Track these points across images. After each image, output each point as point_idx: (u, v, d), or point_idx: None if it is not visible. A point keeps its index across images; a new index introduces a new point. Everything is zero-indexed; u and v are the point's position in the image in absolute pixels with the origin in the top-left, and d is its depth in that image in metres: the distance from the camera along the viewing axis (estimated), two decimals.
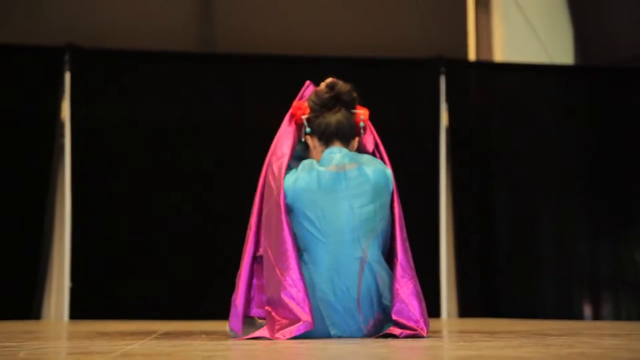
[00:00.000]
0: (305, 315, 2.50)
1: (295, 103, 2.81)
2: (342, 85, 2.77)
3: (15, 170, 5.52)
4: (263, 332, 2.57)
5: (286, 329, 2.50)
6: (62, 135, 5.62)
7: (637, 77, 6.46)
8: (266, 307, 2.62)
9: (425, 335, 2.55)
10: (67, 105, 5.64)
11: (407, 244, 2.68)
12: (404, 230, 2.69)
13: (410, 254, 2.67)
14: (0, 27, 5.98)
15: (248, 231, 2.76)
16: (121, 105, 5.75)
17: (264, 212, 2.70)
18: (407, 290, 2.57)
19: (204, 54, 6.26)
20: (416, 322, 2.55)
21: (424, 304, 2.63)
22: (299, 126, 2.78)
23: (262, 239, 2.69)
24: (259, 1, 6.43)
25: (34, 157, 5.57)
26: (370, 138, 2.84)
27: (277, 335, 2.50)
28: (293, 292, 2.53)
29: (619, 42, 6.69)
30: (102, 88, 5.75)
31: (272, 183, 2.68)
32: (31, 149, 5.57)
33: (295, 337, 2.47)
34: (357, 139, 2.79)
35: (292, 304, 2.52)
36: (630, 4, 6.60)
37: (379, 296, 2.63)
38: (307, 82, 2.90)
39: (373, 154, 2.82)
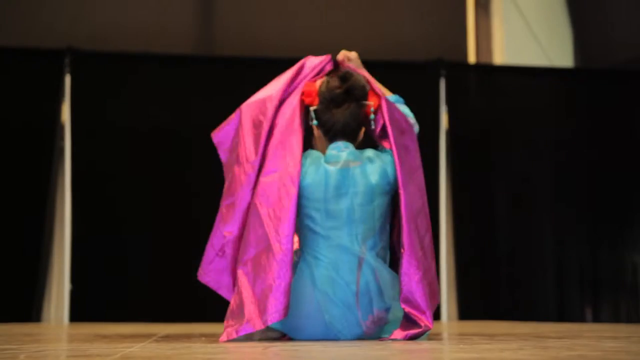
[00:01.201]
0: (281, 281, 2.50)
1: (306, 86, 2.76)
2: (355, 80, 2.73)
3: (15, 173, 5.53)
4: (247, 328, 2.54)
5: (262, 317, 2.50)
6: (62, 138, 5.62)
7: (637, 79, 6.46)
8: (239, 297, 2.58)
9: (431, 327, 2.55)
10: (67, 108, 5.65)
11: (418, 235, 2.63)
12: (416, 221, 2.64)
13: (422, 244, 2.62)
14: (0, 30, 5.99)
15: (242, 176, 2.71)
16: (121, 108, 5.75)
17: (268, 165, 2.65)
18: (414, 278, 2.55)
19: (204, 56, 6.27)
20: (422, 312, 2.54)
21: (433, 294, 2.60)
22: (307, 112, 2.75)
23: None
24: (259, 4, 6.44)
25: (35, 160, 5.57)
26: (379, 121, 2.77)
27: (255, 324, 2.51)
28: (280, 257, 2.53)
29: (618, 45, 6.70)
30: (102, 91, 5.76)
31: (289, 159, 2.64)
32: (31, 152, 5.57)
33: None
34: (363, 129, 2.78)
35: (275, 266, 2.51)
36: (629, 7, 6.61)
37: (379, 293, 2.63)
38: (329, 56, 2.84)
39: (382, 131, 2.74)
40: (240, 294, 2.58)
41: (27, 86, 5.65)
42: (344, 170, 2.67)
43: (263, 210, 2.61)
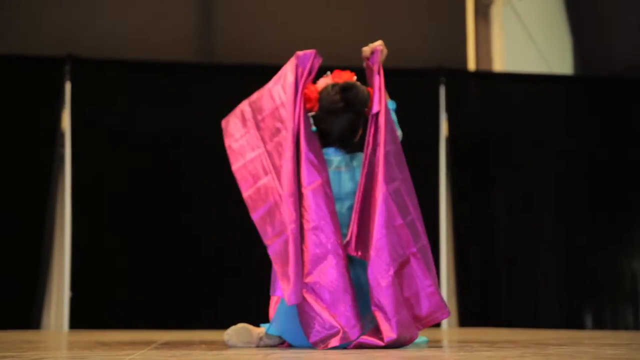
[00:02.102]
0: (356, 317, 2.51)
1: (308, 89, 2.76)
2: (356, 93, 2.73)
3: (15, 180, 5.53)
4: (342, 339, 2.49)
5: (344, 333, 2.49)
6: (62, 145, 5.63)
7: (635, 87, 6.47)
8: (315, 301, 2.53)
9: (394, 337, 2.46)
10: (67, 115, 5.65)
11: (395, 234, 2.56)
12: (397, 218, 2.57)
13: (404, 242, 2.57)
14: (0, 38, 5.99)
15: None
16: (121, 115, 5.75)
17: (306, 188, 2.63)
18: (382, 282, 2.50)
19: (204, 64, 6.28)
20: (388, 320, 2.48)
21: (410, 310, 2.56)
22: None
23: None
24: (259, 12, 6.45)
25: (35, 167, 5.57)
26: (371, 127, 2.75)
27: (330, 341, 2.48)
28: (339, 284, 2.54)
29: (617, 53, 6.71)
30: (102, 98, 5.76)
31: (314, 167, 2.64)
32: (32, 159, 5.57)
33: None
34: (360, 131, 2.81)
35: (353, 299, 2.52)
36: (628, 14, 6.63)
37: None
38: (314, 51, 2.81)
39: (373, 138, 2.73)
40: (316, 314, 2.52)
41: (28, 93, 5.66)
42: (334, 174, 2.73)
43: (313, 225, 2.57)
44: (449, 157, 6.02)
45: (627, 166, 6.22)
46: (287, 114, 2.72)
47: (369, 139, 2.68)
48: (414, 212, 2.67)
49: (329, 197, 2.63)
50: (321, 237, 2.57)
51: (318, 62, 2.82)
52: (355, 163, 2.78)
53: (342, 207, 2.71)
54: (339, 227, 2.61)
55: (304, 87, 2.76)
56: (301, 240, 2.57)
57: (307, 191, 2.61)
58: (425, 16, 6.64)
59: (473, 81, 6.34)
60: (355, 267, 2.65)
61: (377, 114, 2.70)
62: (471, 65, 6.69)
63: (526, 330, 4.90)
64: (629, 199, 6.23)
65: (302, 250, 2.56)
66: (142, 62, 5.95)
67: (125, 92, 5.81)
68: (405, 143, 6.36)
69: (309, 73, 2.80)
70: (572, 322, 5.97)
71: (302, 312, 2.53)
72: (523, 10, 6.90)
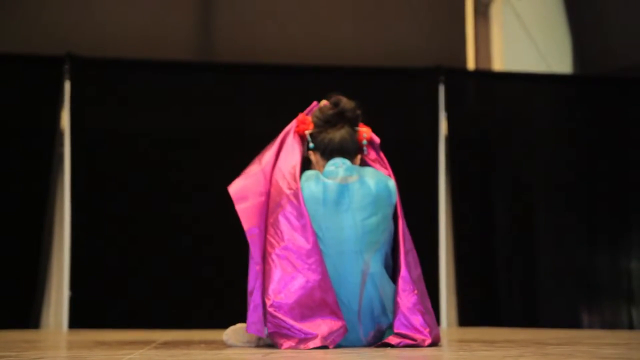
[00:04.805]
0: (340, 319, 2.53)
1: (300, 117, 2.83)
2: (347, 102, 2.80)
3: (14, 179, 5.52)
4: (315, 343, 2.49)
5: (331, 337, 2.50)
6: (61, 145, 5.62)
7: (635, 86, 6.47)
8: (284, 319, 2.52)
9: (427, 343, 2.51)
10: (66, 114, 5.65)
11: (411, 255, 2.65)
12: (408, 242, 2.67)
13: (414, 266, 2.65)
14: None
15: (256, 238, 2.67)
16: (121, 114, 5.75)
17: (273, 219, 2.64)
18: (408, 303, 2.55)
19: (204, 63, 6.28)
20: (417, 330, 2.52)
21: (430, 316, 2.60)
22: (303, 140, 2.79)
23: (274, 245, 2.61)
24: (259, 11, 6.46)
25: (34, 167, 5.56)
26: (373, 155, 2.86)
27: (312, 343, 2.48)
28: (330, 296, 2.54)
29: (617, 52, 6.72)
30: (102, 97, 5.76)
31: (285, 190, 2.64)
32: (30, 159, 5.57)
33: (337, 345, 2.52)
34: (359, 156, 2.82)
35: (333, 305, 2.52)
36: (628, 13, 6.63)
37: (382, 308, 2.61)
38: (314, 102, 2.91)
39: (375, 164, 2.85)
40: (289, 324, 2.51)
41: (27, 92, 5.65)
42: (342, 186, 2.66)
43: (283, 245, 2.58)
44: (449, 156, 6.01)
45: (626, 165, 6.22)
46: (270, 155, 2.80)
47: (385, 165, 2.82)
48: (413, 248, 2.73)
49: (298, 215, 2.59)
50: (291, 258, 2.56)
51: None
52: (364, 172, 2.72)
53: (355, 220, 2.62)
54: (317, 243, 2.56)
55: (298, 118, 2.84)
56: (272, 260, 2.58)
57: (277, 213, 2.61)
58: (424, 15, 6.65)
59: (472, 80, 6.34)
60: (367, 287, 2.61)
61: (379, 144, 2.85)
62: (470, 64, 6.69)
63: (525, 329, 4.90)
64: (628, 198, 6.23)
65: (272, 271, 2.56)
66: (142, 61, 5.94)
67: (124, 91, 5.81)
68: (405, 142, 6.35)
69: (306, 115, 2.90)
70: (571, 321, 5.97)
71: (278, 327, 2.51)
72: (522, 9, 6.91)
